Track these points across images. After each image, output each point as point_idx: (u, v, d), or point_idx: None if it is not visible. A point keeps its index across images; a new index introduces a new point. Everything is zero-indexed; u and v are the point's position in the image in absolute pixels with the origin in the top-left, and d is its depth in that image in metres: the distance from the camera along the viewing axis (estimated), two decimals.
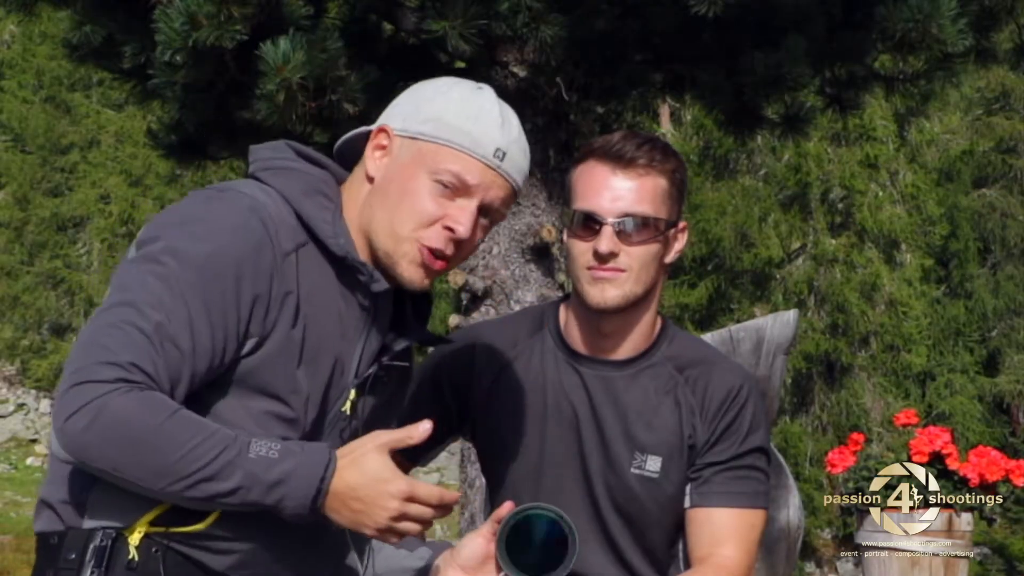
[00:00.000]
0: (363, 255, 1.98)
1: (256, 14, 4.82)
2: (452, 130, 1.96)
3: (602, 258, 2.32)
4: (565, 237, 2.43)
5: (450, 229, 1.95)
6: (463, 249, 2.00)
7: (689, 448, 2.42)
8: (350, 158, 2.08)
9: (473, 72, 5.93)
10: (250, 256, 1.85)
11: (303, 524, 1.85)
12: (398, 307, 2.06)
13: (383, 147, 2.00)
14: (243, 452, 1.79)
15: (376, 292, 1.97)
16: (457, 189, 1.96)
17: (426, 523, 1.87)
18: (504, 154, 1.98)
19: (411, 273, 1.97)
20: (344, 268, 1.95)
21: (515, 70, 5.76)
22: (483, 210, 1.99)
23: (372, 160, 2.00)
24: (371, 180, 1.99)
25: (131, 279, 1.84)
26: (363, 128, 2.06)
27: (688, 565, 2.43)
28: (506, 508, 2.03)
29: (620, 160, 2.33)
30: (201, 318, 1.82)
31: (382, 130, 2.00)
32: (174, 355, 1.80)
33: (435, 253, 1.96)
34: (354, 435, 2.00)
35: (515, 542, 2.02)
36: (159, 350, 1.79)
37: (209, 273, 1.83)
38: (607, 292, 2.34)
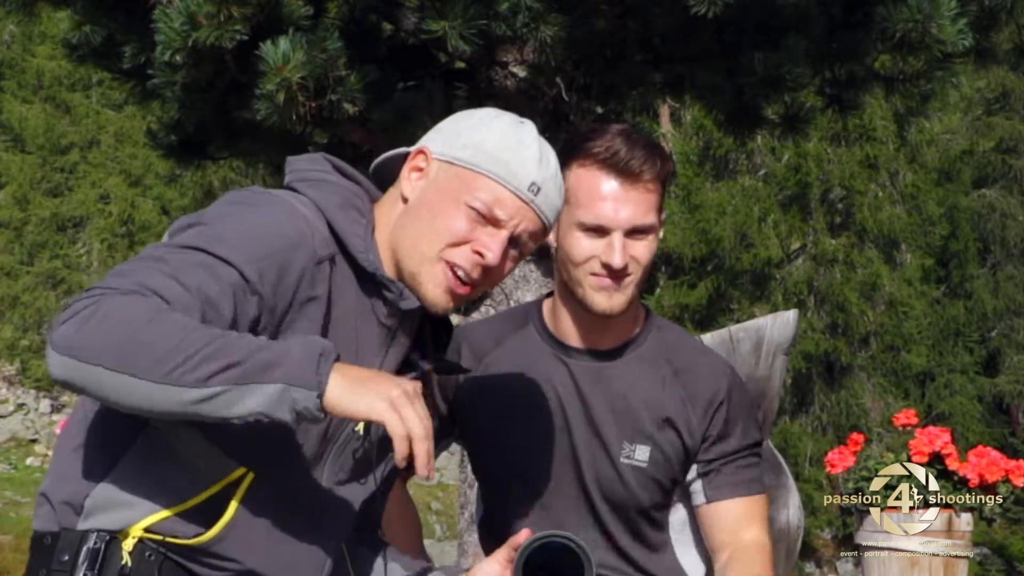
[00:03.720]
0: (391, 274, 1.96)
1: (256, 14, 4.82)
2: (490, 159, 1.96)
3: (615, 271, 2.34)
4: (555, 240, 2.42)
5: (479, 254, 1.94)
6: (490, 277, 1.98)
7: (677, 435, 2.45)
8: (386, 177, 2.07)
9: (473, 72, 5.93)
10: (285, 249, 1.83)
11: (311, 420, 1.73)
12: (418, 331, 2.05)
13: (420, 169, 1.99)
14: (238, 335, 1.73)
15: (404, 310, 1.95)
16: (488, 218, 1.95)
17: (423, 417, 1.77)
18: (539, 189, 1.97)
19: (435, 295, 1.95)
20: (370, 284, 1.94)
21: (515, 70, 5.76)
22: (512, 241, 1.98)
23: (408, 181, 1.99)
24: (405, 201, 1.98)
25: (158, 246, 1.82)
26: (402, 149, 2.05)
27: (707, 556, 2.51)
28: (523, 535, 2.03)
29: (628, 174, 2.34)
30: (220, 274, 1.77)
31: (420, 152, 2.00)
32: (187, 294, 1.74)
33: (461, 277, 1.95)
34: (367, 456, 2.00)
35: (531, 569, 2.02)
36: (175, 278, 1.74)
37: (248, 240, 1.80)
38: (614, 299, 2.37)
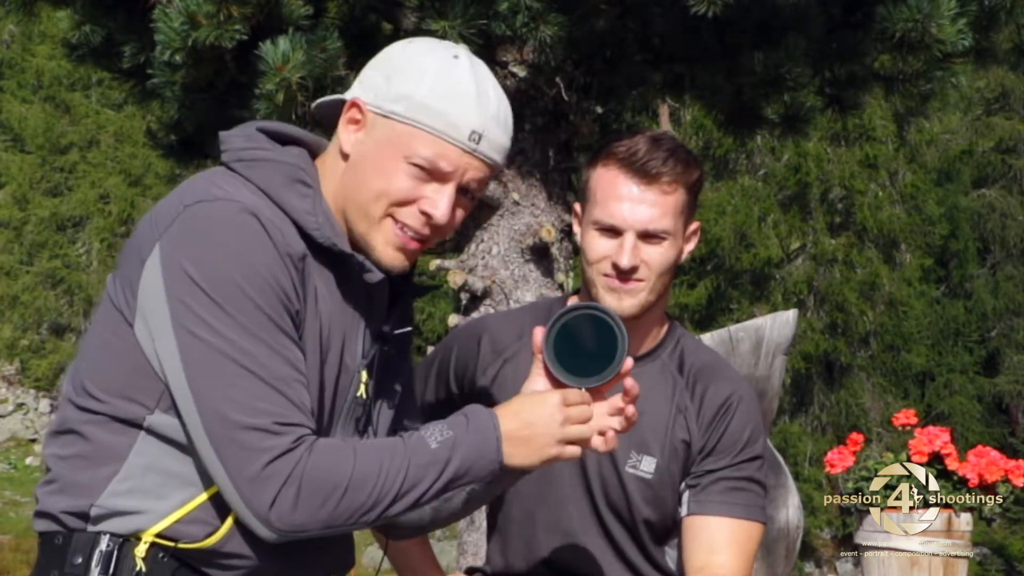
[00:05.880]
0: (349, 242, 1.93)
1: (255, 14, 4.82)
2: (426, 111, 1.88)
3: (622, 272, 2.33)
4: (579, 237, 2.42)
5: (427, 214, 1.90)
6: (441, 230, 1.94)
7: (685, 450, 2.42)
8: (329, 119, 2.01)
9: None
10: (273, 265, 1.81)
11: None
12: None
13: (356, 121, 1.92)
14: (424, 447, 1.83)
15: (371, 283, 1.93)
16: (432, 173, 1.89)
17: (588, 421, 1.91)
18: (480, 136, 1.90)
19: (389, 256, 1.92)
20: (333, 257, 1.91)
21: (515, 70, 5.76)
22: (461, 190, 1.93)
23: (346, 134, 1.93)
24: (345, 156, 1.93)
25: (205, 339, 1.78)
26: (337, 96, 1.98)
27: (682, 573, 2.43)
28: (539, 334, 1.97)
29: (646, 175, 2.32)
30: (283, 342, 1.81)
31: (354, 104, 1.92)
32: (292, 386, 1.80)
33: (410, 235, 1.91)
34: (368, 417, 2.00)
35: (564, 352, 1.96)
36: (280, 390, 1.79)
37: (261, 302, 1.80)
38: (624, 302, 2.36)
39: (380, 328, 1.99)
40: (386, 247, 1.92)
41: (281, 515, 1.76)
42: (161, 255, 1.81)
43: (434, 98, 1.88)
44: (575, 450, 1.91)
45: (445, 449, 1.83)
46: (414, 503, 1.82)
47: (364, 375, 1.97)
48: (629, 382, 1.95)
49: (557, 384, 1.96)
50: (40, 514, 1.90)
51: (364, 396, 1.98)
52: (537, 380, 1.98)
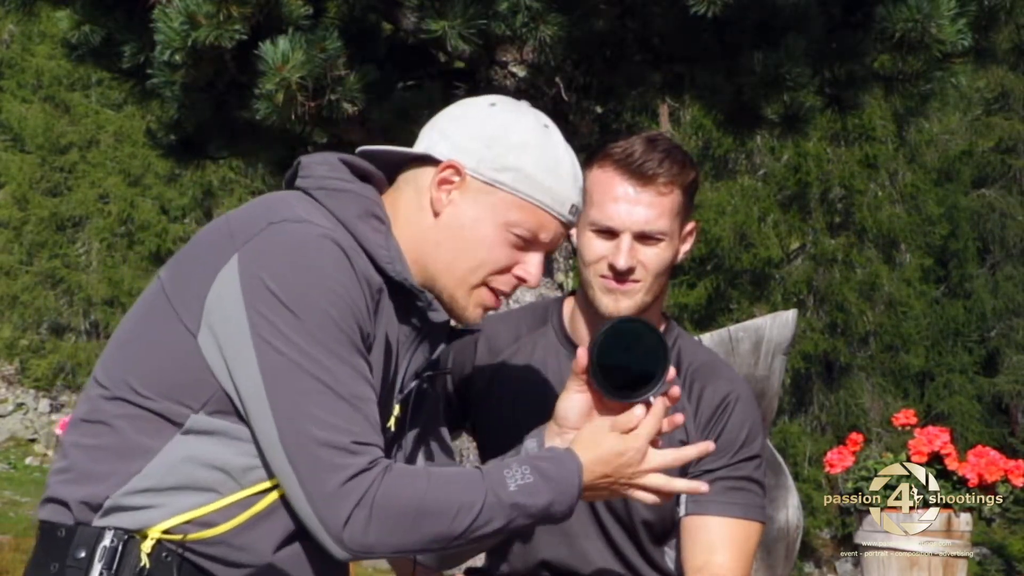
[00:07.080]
0: (415, 279, 1.96)
1: (255, 14, 4.83)
2: (533, 185, 1.94)
3: (619, 273, 2.33)
4: (576, 238, 2.42)
5: (521, 278, 1.97)
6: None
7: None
8: (387, 162, 2.04)
9: (473, 72, 5.94)
10: (351, 288, 1.84)
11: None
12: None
13: (450, 181, 1.95)
14: (503, 488, 1.83)
15: (435, 322, 1.97)
16: (531, 242, 1.96)
17: (676, 463, 1.97)
18: (577, 210, 1.99)
19: (474, 316, 1.99)
20: (400, 290, 1.94)
21: (514, 70, 5.76)
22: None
23: (437, 193, 1.95)
24: (435, 213, 1.96)
25: (284, 352, 1.79)
26: (415, 152, 1.99)
27: (681, 573, 2.42)
28: (583, 355, 2.00)
29: (642, 176, 2.32)
30: (359, 362, 1.83)
31: (451, 166, 1.94)
32: (368, 406, 1.82)
33: (499, 296, 1.99)
34: (392, 446, 2.00)
35: (608, 368, 1.99)
36: (358, 409, 1.80)
37: (341, 322, 1.82)
38: (620, 303, 2.35)
39: (422, 365, 2.02)
40: (476, 308, 1.98)
41: (354, 535, 1.77)
42: (240, 266, 1.82)
43: (541, 172, 1.95)
44: (651, 498, 1.96)
45: (523, 494, 1.84)
46: (483, 539, 1.84)
47: (397, 408, 1.99)
48: (675, 390, 1.98)
49: (601, 401, 2.00)
50: (51, 500, 1.89)
51: (392, 428, 1.99)
52: (574, 397, 2.03)
